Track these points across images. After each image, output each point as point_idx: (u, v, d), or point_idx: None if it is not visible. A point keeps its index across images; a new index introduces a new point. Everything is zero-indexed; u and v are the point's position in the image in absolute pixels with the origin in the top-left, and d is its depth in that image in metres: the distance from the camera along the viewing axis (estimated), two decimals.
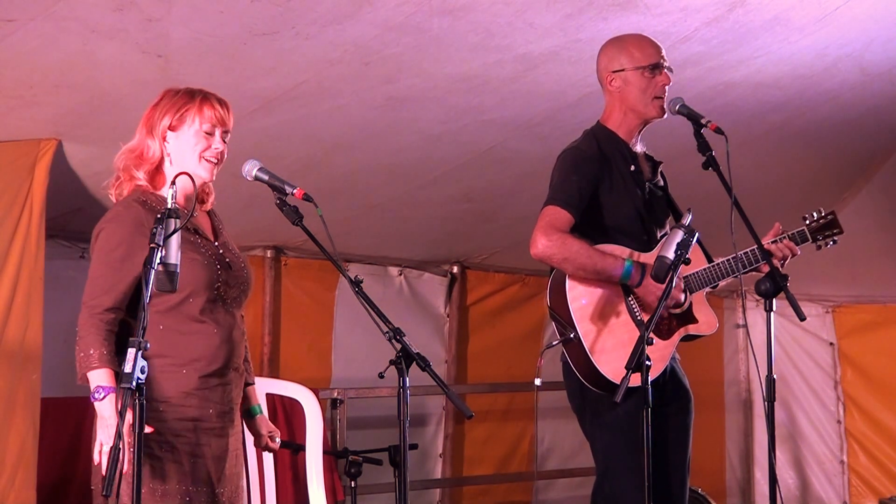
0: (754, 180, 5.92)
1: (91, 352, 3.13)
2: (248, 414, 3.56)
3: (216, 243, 3.37)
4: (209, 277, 3.25)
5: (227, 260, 3.34)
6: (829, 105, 5.62)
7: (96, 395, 3.08)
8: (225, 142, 3.34)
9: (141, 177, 3.30)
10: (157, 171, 3.33)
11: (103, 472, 2.98)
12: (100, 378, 3.09)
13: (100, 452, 3.08)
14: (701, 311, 3.86)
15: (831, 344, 7.98)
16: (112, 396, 3.08)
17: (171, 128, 3.29)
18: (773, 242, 3.84)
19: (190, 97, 3.31)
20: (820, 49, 4.99)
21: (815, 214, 3.92)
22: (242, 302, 3.40)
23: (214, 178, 3.36)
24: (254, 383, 3.57)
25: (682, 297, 3.77)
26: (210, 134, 3.30)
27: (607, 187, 3.79)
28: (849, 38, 4.95)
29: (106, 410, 3.07)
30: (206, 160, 3.30)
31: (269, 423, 3.59)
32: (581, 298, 3.70)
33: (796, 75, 5.22)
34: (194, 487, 3.18)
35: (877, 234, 7.08)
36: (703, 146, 3.68)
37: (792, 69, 5.15)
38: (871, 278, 7.57)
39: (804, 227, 3.90)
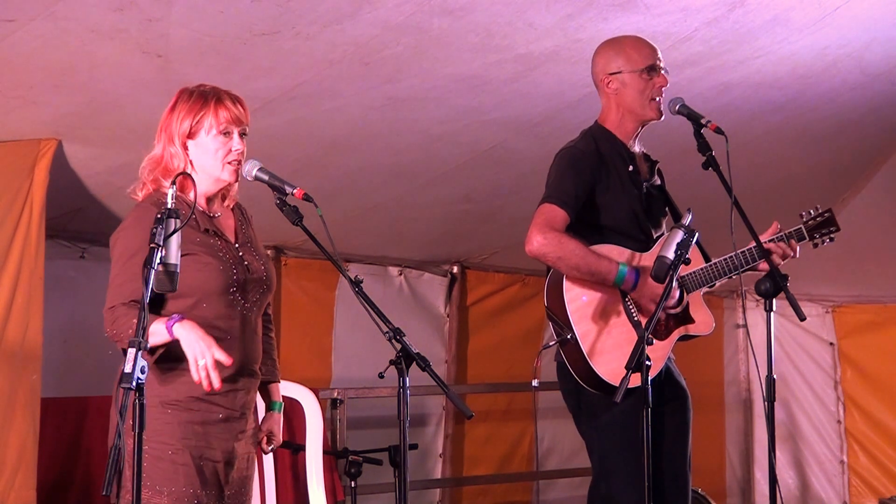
0: (754, 180, 5.93)
1: (135, 323, 3.05)
2: (266, 408, 3.54)
3: (236, 245, 3.36)
4: (224, 282, 3.24)
5: (246, 262, 3.33)
6: (829, 105, 5.62)
7: (171, 330, 3.04)
8: (244, 137, 3.32)
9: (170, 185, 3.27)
10: (184, 178, 3.29)
11: (208, 386, 3.01)
12: (157, 324, 3.05)
13: (198, 369, 3.03)
14: (698, 312, 3.86)
15: (831, 344, 7.98)
16: (183, 319, 3.05)
17: (190, 135, 3.28)
18: (771, 241, 3.83)
19: (204, 101, 3.29)
20: (820, 49, 4.99)
21: (811, 212, 3.91)
22: (262, 304, 3.38)
23: (239, 178, 3.34)
24: (278, 381, 3.55)
25: (677, 298, 3.76)
26: (228, 135, 3.29)
27: (604, 187, 3.80)
28: (849, 38, 4.96)
29: (184, 332, 3.03)
30: (229, 163, 3.30)
31: (279, 424, 3.53)
32: (578, 299, 3.70)
33: (796, 75, 5.22)
34: (201, 490, 3.17)
35: (877, 234, 7.08)
36: (703, 146, 3.68)
37: (792, 69, 5.15)
38: (871, 278, 7.57)
39: (801, 225, 3.89)
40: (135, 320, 3.06)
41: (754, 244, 3.75)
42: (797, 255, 3.86)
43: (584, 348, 3.65)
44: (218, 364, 3.17)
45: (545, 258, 3.68)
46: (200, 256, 3.19)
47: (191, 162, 3.29)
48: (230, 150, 3.29)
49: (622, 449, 3.66)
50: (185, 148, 3.28)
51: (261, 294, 3.35)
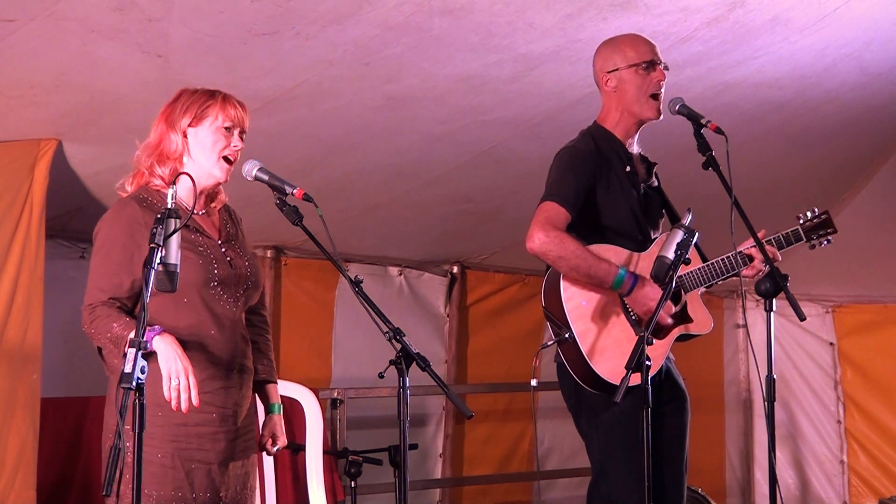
0: (754, 180, 5.93)
1: (114, 326, 3.10)
2: (266, 411, 3.55)
3: (219, 241, 3.36)
4: (203, 276, 3.24)
5: (229, 259, 3.34)
6: (829, 105, 5.62)
7: (151, 341, 3.03)
8: (241, 142, 3.35)
9: (165, 174, 3.29)
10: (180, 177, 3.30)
11: (176, 406, 3.01)
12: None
13: (170, 388, 3.03)
14: (696, 311, 3.86)
15: (831, 344, 7.98)
16: (164, 333, 3.06)
17: (192, 124, 3.29)
18: (753, 247, 3.82)
19: (211, 95, 3.33)
20: (820, 49, 4.99)
21: (808, 214, 3.93)
22: (248, 301, 3.39)
23: (227, 179, 3.36)
24: (275, 382, 3.55)
25: (668, 320, 3.76)
26: (229, 132, 3.31)
27: (604, 187, 3.80)
28: (849, 38, 4.96)
29: (163, 346, 3.04)
30: (224, 159, 3.31)
31: (280, 426, 3.53)
32: (576, 298, 3.70)
33: (796, 75, 5.22)
34: (191, 493, 3.17)
35: (877, 234, 7.08)
36: (703, 146, 3.68)
37: (792, 69, 5.15)
38: (871, 278, 7.57)
39: (798, 227, 3.90)
40: (114, 323, 3.10)
41: (751, 244, 3.76)
42: (779, 258, 3.86)
43: (583, 348, 3.65)
44: (206, 360, 3.18)
45: (545, 256, 3.68)
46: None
47: (188, 150, 3.30)
48: (228, 145, 3.30)
49: (622, 449, 3.67)
50: (185, 136, 3.29)
51: (245, 290, 3.36)
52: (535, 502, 7.20)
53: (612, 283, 3.68)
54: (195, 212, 3.33)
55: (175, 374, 3.03)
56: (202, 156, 3.30)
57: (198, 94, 3.33)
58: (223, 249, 3.35)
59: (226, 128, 3.30)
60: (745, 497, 8.03)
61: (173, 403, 3.03)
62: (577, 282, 3.71)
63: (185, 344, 3.15)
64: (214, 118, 3.30)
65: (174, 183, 3.02)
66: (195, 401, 3.04)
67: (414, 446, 5.54)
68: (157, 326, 3.08)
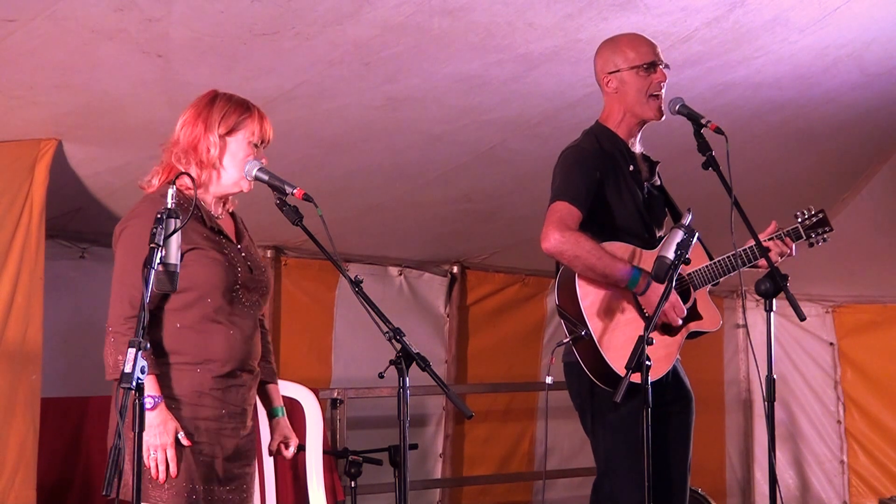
0: (754, 180, 5.93)
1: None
2: (269, 415, 3.57)
3: (239, 246, 3.38)
4: (229, 279, 3.26)
5: (249, 263, 3.36)
6: (828, 105, 5.62)
7: (147, 405, 3.05)
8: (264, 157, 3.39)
9: (199, 175, 3.28)
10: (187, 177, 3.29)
11: (155, 476, 3.09)
12: (147, 388, 3.02)
13: (148, 457, 3.08)
14: (705, 308, 3.87)
15: (831, 344, 7.97)
16: (162, 405, 3.10)
17: (230, 134, 3.30)
18: (769, 239, 3.86)
19: (247, 107, 3.34)
20: (820, 49, 4.99)
21: (805, 212, 3.95)
22: (261, 305, 3.41)
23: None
24: (276, 383, 3.57)
25: (679, 322, 3.76)
26: (257, 148, 3.34)
27: (609, 186, 3.81)
28: (849, 38, 4.96)
29: (155, 419, 3.08)
30: None
31: (288, 427, 3.56)
32: (591, 296, 3.71)
33: (796, 75, 5.22)
34: (200, 486, 3.19)
35: (877, 235, 7.08)
36: (703, 146, 3.69)
37: (792, 69, 5.15)
38: (871, 278, 7.57)
39: (797, 225, 3.93)
40: (121, 356, 3.05)
41: (754, 243, 3.77)
42: (794, 254, 3.88)
43: (599, 344, 3.65)
44: (223, 360, 3.19)
45: (561, 256, 3.69)
46: (207, 251, 3.22)
47: (221, 157, 3.31)
48: (256, 160, 3.33)
49: (627, 448, 3.67)
50: (220, 143, 3.30)
51: (260, 296, 3.39)
52: (535, 502, 7.19)
53: (627, 283, 3.69)
54: (217, 215, 3.35)
55: (154, 449, 3.08)
56: (232, 165, 3.32)
57: (233, 102, 3.33)
58: (243, 254, 3.37)
59: (255, 145, 3.33)
60: (745, 497, 8.03)
61: (152, 473, 3.09)
62: (592, 279, 3.71)
63: (206, 343, 3.19)
64: (249, 133, 3.32)
65: (173, 182, 3.02)
66: (173, 472, 3.10)
67: (414, 446, 5.52)
68: (157, 397, 3.09)
